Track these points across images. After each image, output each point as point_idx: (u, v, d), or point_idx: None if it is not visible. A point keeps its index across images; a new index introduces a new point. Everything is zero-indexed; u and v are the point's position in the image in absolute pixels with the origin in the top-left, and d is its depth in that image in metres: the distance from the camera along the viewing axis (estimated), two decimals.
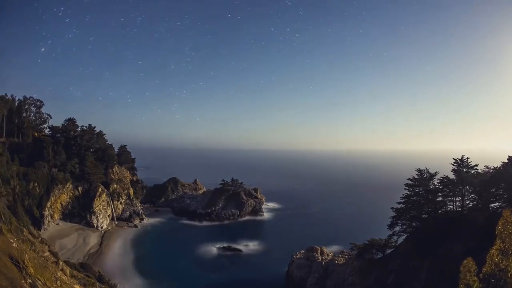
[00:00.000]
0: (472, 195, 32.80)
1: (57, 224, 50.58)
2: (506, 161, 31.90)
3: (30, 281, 5.60)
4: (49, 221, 49.03)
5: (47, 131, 62.65)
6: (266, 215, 69.85)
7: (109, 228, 54.87)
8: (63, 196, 52.86)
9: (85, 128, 64.64)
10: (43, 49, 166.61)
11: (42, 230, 46.02)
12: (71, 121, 62.74)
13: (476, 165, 33.66)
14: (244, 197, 69.52)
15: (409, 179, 35.55)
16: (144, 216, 62.80)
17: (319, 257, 39.28)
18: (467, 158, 33.98)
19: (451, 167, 34.17)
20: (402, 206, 35.13)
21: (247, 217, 67.45)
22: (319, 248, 41.02)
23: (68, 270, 11.96)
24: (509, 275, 6.75)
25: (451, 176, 33.95)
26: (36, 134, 59.74)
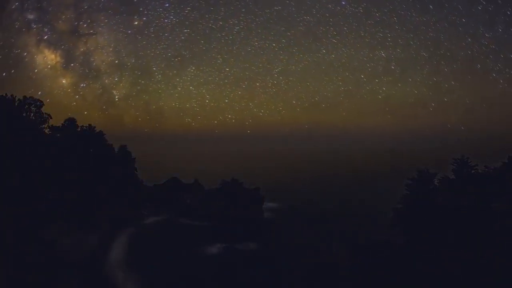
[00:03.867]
0: (472, 195, 32.86)
1: (57, 224, 50.53)
2: (506, 161, 32.00)
3: None
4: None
5: (47, 131, 62.62)
6: (266, 215, 69.83)
7: (109, 228, 54.79)
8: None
9: (85, 128, 64.68)
10: (136, 23, 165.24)
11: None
12: (71, 121, 62.81)
13: (476, 165, 33.76)
14: (244, 197, 69.45)
15: (408, 179, 35.64)
16: (144, 216, 62.82)
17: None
18: (467, 158, 34.09)
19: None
20: (402, 206, 35.23)
21: (247, 217, 67.33)
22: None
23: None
24: None
25: (451, 176, 34.05)
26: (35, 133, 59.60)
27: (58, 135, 60.36)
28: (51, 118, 64.68)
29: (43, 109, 63.61)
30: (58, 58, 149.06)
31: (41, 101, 64.05)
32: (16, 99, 60.86)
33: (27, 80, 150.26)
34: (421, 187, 34.83)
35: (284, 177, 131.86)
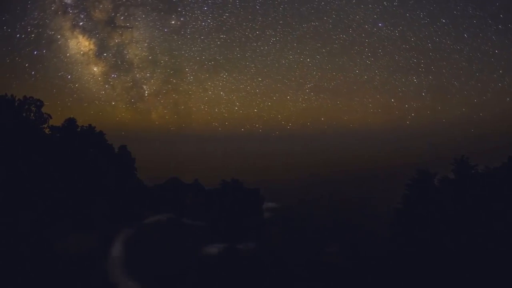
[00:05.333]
0: (472, 195, 32.85)
1: (57, 224, 50.52)
2: (506, 161, 32.00)
3: None
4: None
5: (47, 131, 62.68)
6: (266, 215, 69.80)
7: (109, 228, 54.76)
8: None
9: (85, 128, 64.75)
10: (173, 22, 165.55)
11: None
12: (71, 121, 62.87)
13: (476, 165, 33.78)
14: (244, 197, 69.37)
15: (409, 179, 35.66)
16: (144, 216, 62.83)
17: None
18: (467, 158, 34.10)
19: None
20: (402, 206, 35.25)
21: (247, 217, 67.30)
22: None
23: None
24: None
25: (451, 176, 34.06)
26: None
27: (58, 135, 60.39)
28: (51, 118, 64.73)
29: (43, 109, 63.73)
30: (92, 46, 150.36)
31: (41, 101, 64.10)
32: (16, 99, 60.90)
33: (58, 62, 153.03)
34: (421, 187, 34.82)
35: (284, 177, 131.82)
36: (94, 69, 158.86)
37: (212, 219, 64.61)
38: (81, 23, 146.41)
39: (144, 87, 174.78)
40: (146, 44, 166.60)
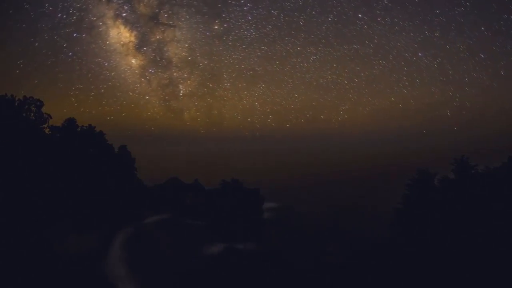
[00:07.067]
0: (472, 195, 32.88)
1: (57, 224, 50.48)
2: (506, 161, 32.03)
3: None
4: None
5: (47, 131, 62.70)
6: (266, 215, 69.83)
7: (109, 228, 54.78)
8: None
9: (85, 128, 64.75)
10: (216, 27, 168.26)
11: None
12: (71, 121, 62.86)
13: (476, 165, 33.83)
14: (244, 197, 69.40)
15: (409, 179, 35.70)
16: (144, 216, 62.85)
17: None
18: (467, 158, 34.15)
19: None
20: (402, 206, 35.29)
21: (247, 217, 67.33)
22: None
23: None
24: None
25: (451, 176, 34.11)
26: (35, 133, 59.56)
27: (58, 135, 60.41)
28: (51, 118, 64.75)
29: (43, 109, 63.71)
30: (132, 38, 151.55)
31: (41, 101, 64.14)
32: (16, 99, 60.94)
33: (97, 48, 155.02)
34: (421, 187, 34.85)
35: (284, 177, 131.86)
36: (132, 61, 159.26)
37: (212, 219, 64.59)
38: (124, 14, 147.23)
39: (180, 86, 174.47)
40: (187, 45, 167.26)
